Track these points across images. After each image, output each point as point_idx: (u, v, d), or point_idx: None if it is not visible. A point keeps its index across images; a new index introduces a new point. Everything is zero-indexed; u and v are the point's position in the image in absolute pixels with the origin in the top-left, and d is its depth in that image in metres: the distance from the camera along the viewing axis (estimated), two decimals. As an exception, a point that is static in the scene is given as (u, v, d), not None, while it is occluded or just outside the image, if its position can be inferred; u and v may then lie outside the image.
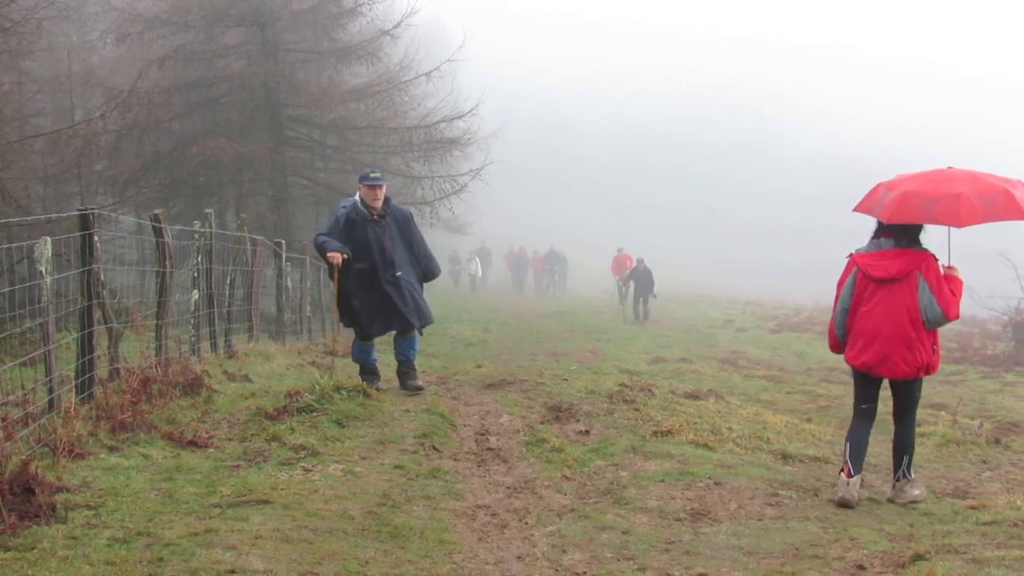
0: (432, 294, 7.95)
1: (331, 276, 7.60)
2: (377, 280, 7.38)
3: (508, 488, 5.20)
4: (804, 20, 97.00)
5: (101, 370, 6.28)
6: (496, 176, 20.52)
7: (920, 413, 6.31)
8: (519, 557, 4.08)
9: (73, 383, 5.87)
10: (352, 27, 20.42)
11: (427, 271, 7.79)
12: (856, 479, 5.10)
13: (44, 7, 11.84)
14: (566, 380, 8.43)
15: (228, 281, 9.75)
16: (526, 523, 4.60)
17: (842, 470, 5.17)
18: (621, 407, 7.21)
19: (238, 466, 5.16)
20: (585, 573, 3.93)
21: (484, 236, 37.96)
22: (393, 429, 6.25)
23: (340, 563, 3.78)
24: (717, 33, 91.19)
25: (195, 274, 8.58)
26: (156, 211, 7.74)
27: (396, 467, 5.38)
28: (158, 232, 7.48)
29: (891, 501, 5.23)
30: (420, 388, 7.58)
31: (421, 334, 7.83)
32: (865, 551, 4.20)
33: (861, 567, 4.00)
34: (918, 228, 5.14)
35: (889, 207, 5.03)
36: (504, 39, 72.48)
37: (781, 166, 70.36)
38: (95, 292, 6.03)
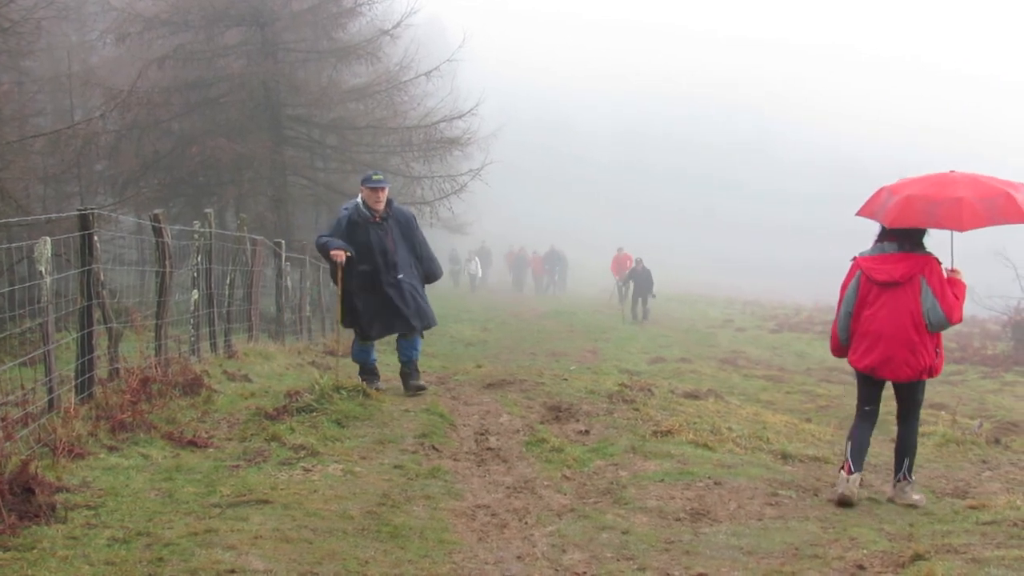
0: (432, 294, 7.96)
1: (333, 276, 7.59)
2: (379, 282, 7.38)
3: (508, 488, 5.20)
4: (803, 20, 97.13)
5: (101, 370, 6.28)
6: (496, 176, 20.52)
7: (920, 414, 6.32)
8: (519, 557, 4.08)
9: (73, 383, 5.87)
10: (352, 27, 20.43)
11: (429, 273, 7.79)
12: (856, 476, 5.11)
13: (43, 7, 11.85)
14: (566, 380, 8.43)
15: (228, 281, 9.75)
16: (526, 523, 4.60)
17: (842, 467, 5.19)
18: (621, 407, 7.21)
19: (238, 466, 5.16)
20: (585, 573, 3.93)
21: (484, 236, 37.97)
22: (393, 429, 6.26)
23: (340, 563, 3.78)
24: (716, 33, 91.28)
25: (195, 274, 8.59)
26: (156, 211, 7.74)
27: (396, 467, 5.38)
28: (158, 232, 7.48)
29: (891, 501, 5.23)
30: (423, 388, 7.58)
31: (422, 336, 7.83)
32: (865, 551, 4.20)
33: (861, 567, 4.00)
34: (921, 232, 5.16)
35: (892, 212, 5.05)
36: (504, 39, 72.55)
37: (780, 166, 70.37)
38: (95, 292, 6.03)
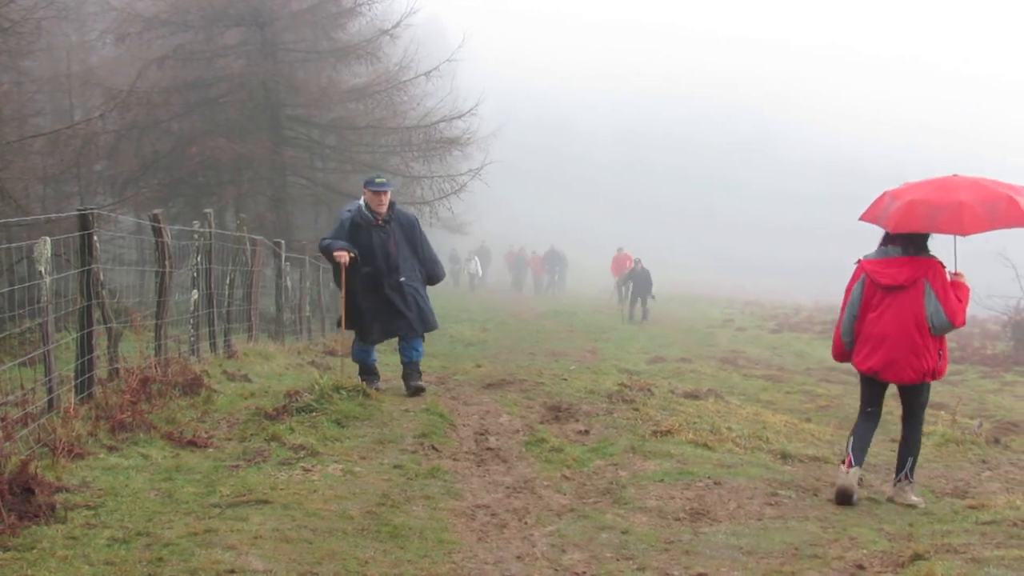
0: (432, 293, 7.97)
1: (336, 278, 7.58)
2: (381, 285, 7.38)
3: (507, 488, 5.20)
4: (803, 20, 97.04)
5: (100, 370, 6.28)
6: (495, 176, 20.51)
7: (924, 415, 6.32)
8: (518, 557, 4.08)
9: (72, 383, 5.87)
10: (351, 27, 20.42)
11: (431, 275, 7.81)
12: (856, 471, 5.14)
13: (43, 7, 11.83)
14: (565, 380, 8.43)
15: (227, 281, 9.75)
16: (525, 523, 4.60)
17: (843, 462, 5.22)
18: (620, 407, 7.22)
19: (237, 466, 5.16)
20: (584, 573, 3.93)
21: (484, 236, 37.98)
22: (392, 429, 6.26)
23: (340, 563, 3.78)
24: (716, 33, 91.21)
25: (194, 274, 8.58)
26: (155, 211, 7.73)
27: (395, 467, 5.38)
28: (157, 232, 7.48)
29: (890, 500, 5.24)
30: (422, 389, 7.58)
31: (423, 338, 7.83)
32: (864, 551, 4.20)
33: (860, 567, 4.00)
34: (925, 236, 5.19)
35: (894, 216, 5.08)
36: (503, 39, 72.51)
37: (780, 166, 70.36)
38: (94, 292, 6.03)
